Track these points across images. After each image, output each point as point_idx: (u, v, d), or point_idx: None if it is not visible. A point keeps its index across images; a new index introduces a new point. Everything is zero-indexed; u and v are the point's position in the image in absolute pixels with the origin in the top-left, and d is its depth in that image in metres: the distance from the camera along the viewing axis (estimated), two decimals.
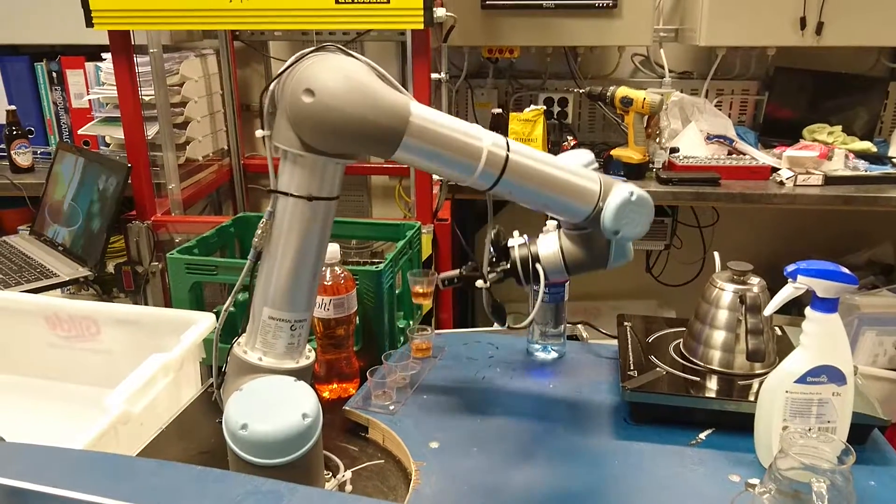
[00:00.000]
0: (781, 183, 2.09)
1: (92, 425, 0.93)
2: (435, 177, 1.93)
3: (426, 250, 1.84)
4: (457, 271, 1.03)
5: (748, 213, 2.59)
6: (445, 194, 2.02)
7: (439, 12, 1.65)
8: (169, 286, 1.88)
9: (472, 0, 2.18)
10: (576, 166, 0.93)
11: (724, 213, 2.57)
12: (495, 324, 1.04)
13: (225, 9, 1.59)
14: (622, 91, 2.07)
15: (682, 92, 2.40)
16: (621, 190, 0.90)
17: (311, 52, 0.81)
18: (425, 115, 0.81)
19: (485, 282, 1.00)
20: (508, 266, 1.00)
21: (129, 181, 1.84)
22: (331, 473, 0.94)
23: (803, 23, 2.11)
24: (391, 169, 2.58)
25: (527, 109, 2.16)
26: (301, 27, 1.62)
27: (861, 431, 0.96)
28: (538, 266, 0.98)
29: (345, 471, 0.95)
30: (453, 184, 2.09)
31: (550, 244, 0.99)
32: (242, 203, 2.63)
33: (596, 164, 0.96)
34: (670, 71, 2.47)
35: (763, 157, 2.21)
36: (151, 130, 2.05)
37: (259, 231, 0.85)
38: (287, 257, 0.85)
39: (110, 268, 1.96)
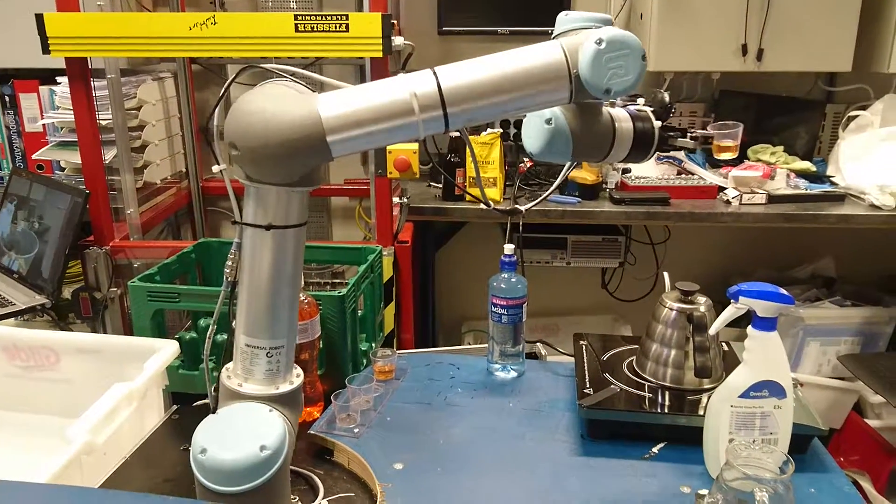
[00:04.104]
0: (728, 202, 2.18)
1: (54, 457, 0.92)
2: (395, 199, 1.96)
3: (387, 273, 1.86)
4: None
5: (697, 230, 2.69)
6: (406, 216, 2.05)
7: (397, 41, 1.68)
8: (128, 312, 1.86)
9: (430, 26, 2.23)
10: (531, 48, 0.82)
11: (675, 231, 2.66)
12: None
13: (184, 37, 1.60)
14: None
15: None
16: (587, 44, 0.78)
17: (229, 85, 0.84)
18: (337, 106, 0.78)
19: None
20: None
21: (87, 206, 1.83)
22: (297, 498, 0.96)
23: (745, 49, 2.22)
24: (351, 190, 2.60)
25: (484, 133, 2.21)
26: (261, 55, 1.63)
27: (802, 441, 1.01)
28: None
29: (322, 497, 0.97)
30: (414, 205, 2.12)
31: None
32: (202, 226, 2.62)
33: (611, 24, 0.83)
34: None
35: (710, 177, 2.31)
36: (109, 155, 2.04)
37: (229, 262, 0.86)
38: (258, 286, 0.85)
39: (67, 294, 1.93)
